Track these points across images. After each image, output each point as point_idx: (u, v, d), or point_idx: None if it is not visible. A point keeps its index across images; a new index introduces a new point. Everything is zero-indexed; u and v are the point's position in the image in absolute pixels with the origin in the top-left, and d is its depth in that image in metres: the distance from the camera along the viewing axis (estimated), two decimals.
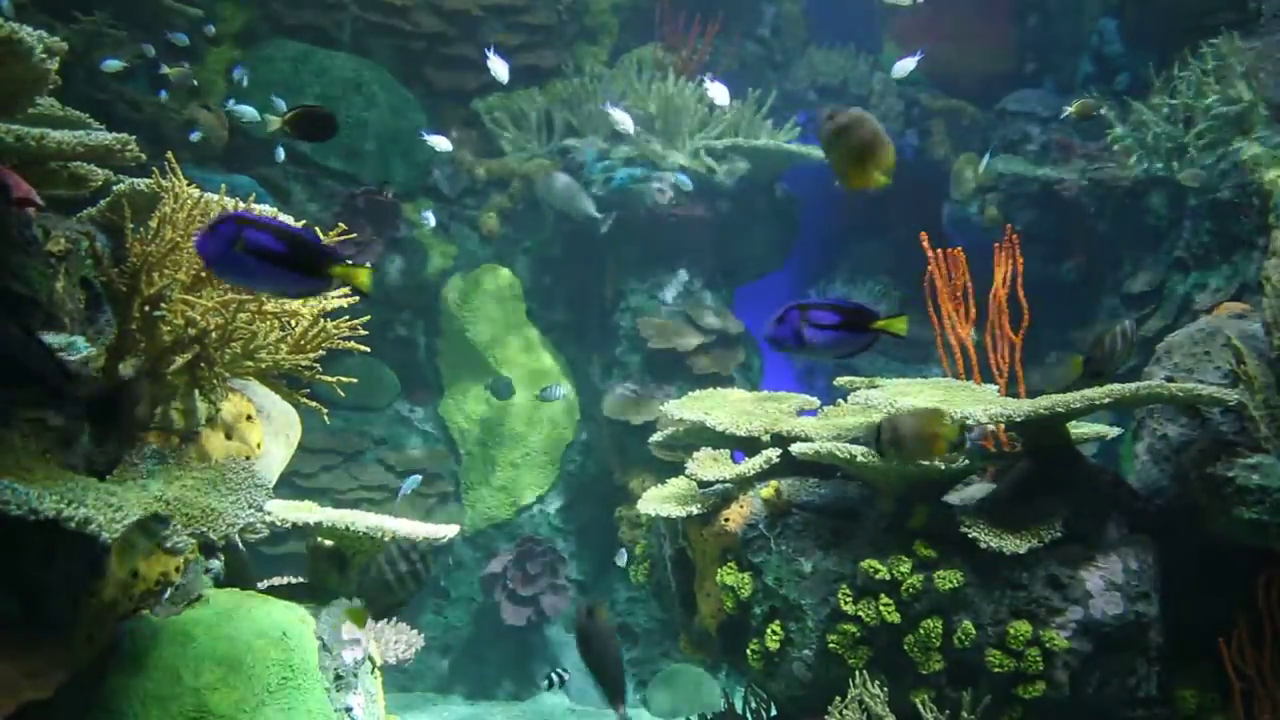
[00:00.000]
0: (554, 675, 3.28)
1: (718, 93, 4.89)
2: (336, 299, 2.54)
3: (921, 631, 2.72)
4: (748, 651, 3.00)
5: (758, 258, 6.01)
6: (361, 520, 2.70)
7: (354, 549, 2.77)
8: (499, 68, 4.93)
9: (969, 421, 2.66)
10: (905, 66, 4.76)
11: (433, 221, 5.22)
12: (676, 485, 3.39)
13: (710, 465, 3.27)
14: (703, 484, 3.24)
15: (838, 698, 2.73)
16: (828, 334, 1.89)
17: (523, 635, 5.34)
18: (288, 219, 2.53)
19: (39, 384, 1.74)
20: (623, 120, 5.08)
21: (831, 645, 2.80)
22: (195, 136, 4.62)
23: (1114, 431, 3.20)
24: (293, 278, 1.75)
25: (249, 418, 2.60)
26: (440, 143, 5.06)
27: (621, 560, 4.85)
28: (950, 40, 6.83)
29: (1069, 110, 4.72)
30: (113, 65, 4.20)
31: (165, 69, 4.80)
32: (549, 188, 5.38)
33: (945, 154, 6.59)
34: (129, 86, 4.69)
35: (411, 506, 5.33)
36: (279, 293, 2.08)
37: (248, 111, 4.78)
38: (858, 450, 2.76)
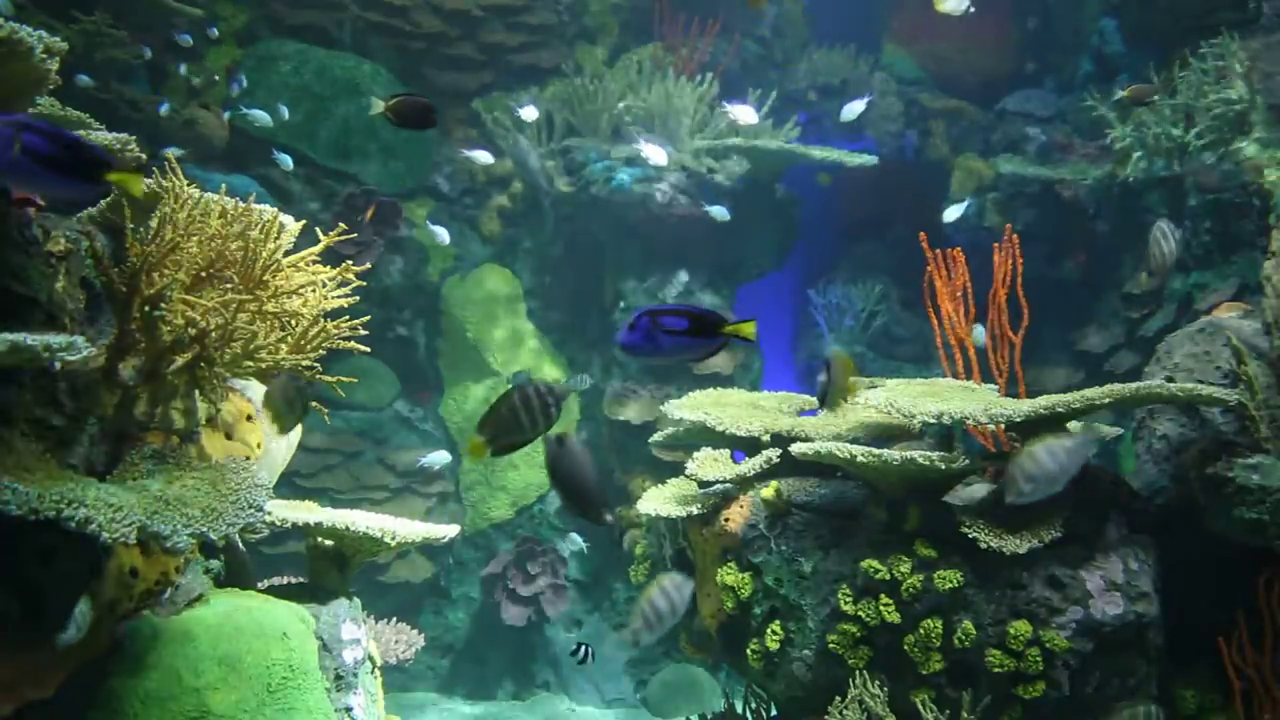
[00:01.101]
0: (583, 648, 3.30)
1: (744, 114, 4.88)
2: (336, 299, 2.54)
3: (921, 631, 2.72)
4: (748, 651, 3.00)
5: (758, 258, 6.01)
6: (361, 520, 2.70)
7: (354, 549, 2.77)
8: (483, 158, 5.09)
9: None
10: (854, 109, 4.91)
11: (446, 237, 5.22)
12: (677, 485, 3.39)
13: (710, 465, 3.28)
14: (703, 484, 3.24)
15: (838, 698, 2.73)
16: (678, 339, 1.93)
17: (523, 635, 5.34)
18: (288, 219, 2.54)
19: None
20: (655, 155, 5.11)
21: (832, 645, 2.80)
22: (164, 109, 4.59)
23: (1114, 431, 3.20)
24: (67, 181, 1.80)
25: (249, 418, 2.60)
26: (482, 156, 5.10)
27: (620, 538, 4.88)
28: (950, 40, 6.83)
29: (1122, 93, 4.69)
30: (84, 81, 4.21)
31: (184, 68, 4.83)
32: (515, 145, 5.39)
33: (945, 154, 6.59)
34: (129, 86, 4.69)
35: (411, 507, 5.34)
36: (55, 196, 2.12)
37: (260, 116, 4.82)
38: (858, 450, 2.76)
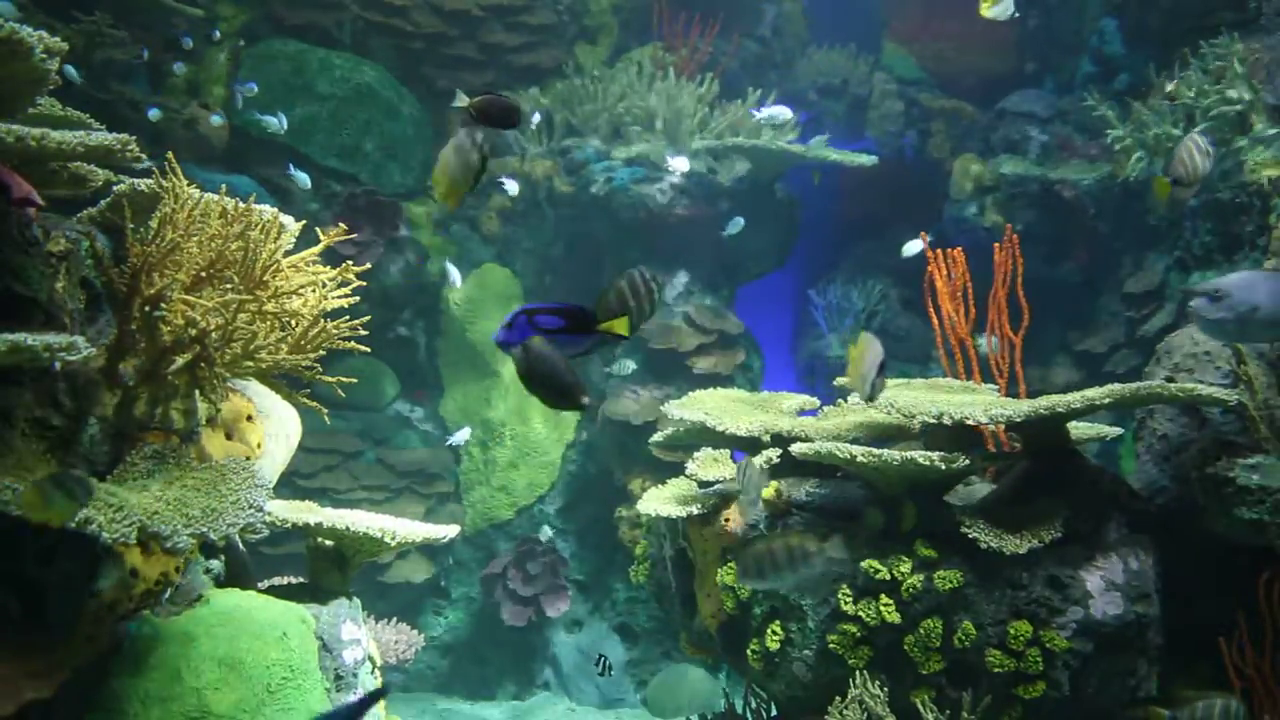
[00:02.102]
0: (603, 659, 3.33)
1: (780, 113, 4.89)
2: (337, 299, 2.54)
3: (922, 631, 2.72)
4: (748, 651, 3.00)
5: (758, 258, 6.01)
6: (361, 520, 2.70)
7: (354, 549, 2.77)
8: (512, 188, 5.25)
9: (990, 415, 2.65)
10: (913, 247, 4.77)
11: (458, 279, 5.30)
12: (677, 485, 3.39)
13: (710, 465, 3.28)
14: (703, 484, 3.24)
15: (838, 698, 2.73)
16: (553, 337, 1.97)
17: (523, 635, 5.34)
18: (288, 219, 2.54)
19: None
20: (679, 165, 5.17)
21: (832, 645, 2.80)
22: (154, 114, 4.60)
23: (1114, 431, 3.20)
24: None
25: (249, 418, 2.60)
26: (511, 186, 5.23)
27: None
28: (950, 40, 6.83)
29: (1170, 87, 4.68)
30: (71, 74, 4.23)
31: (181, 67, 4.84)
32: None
33: (945, 154, 6.59)
34: (129, 86, 4.69)
35: (411, 507, 5.33)
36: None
37: (271, 122, 4.84)
38: (858, 450, 2.76)
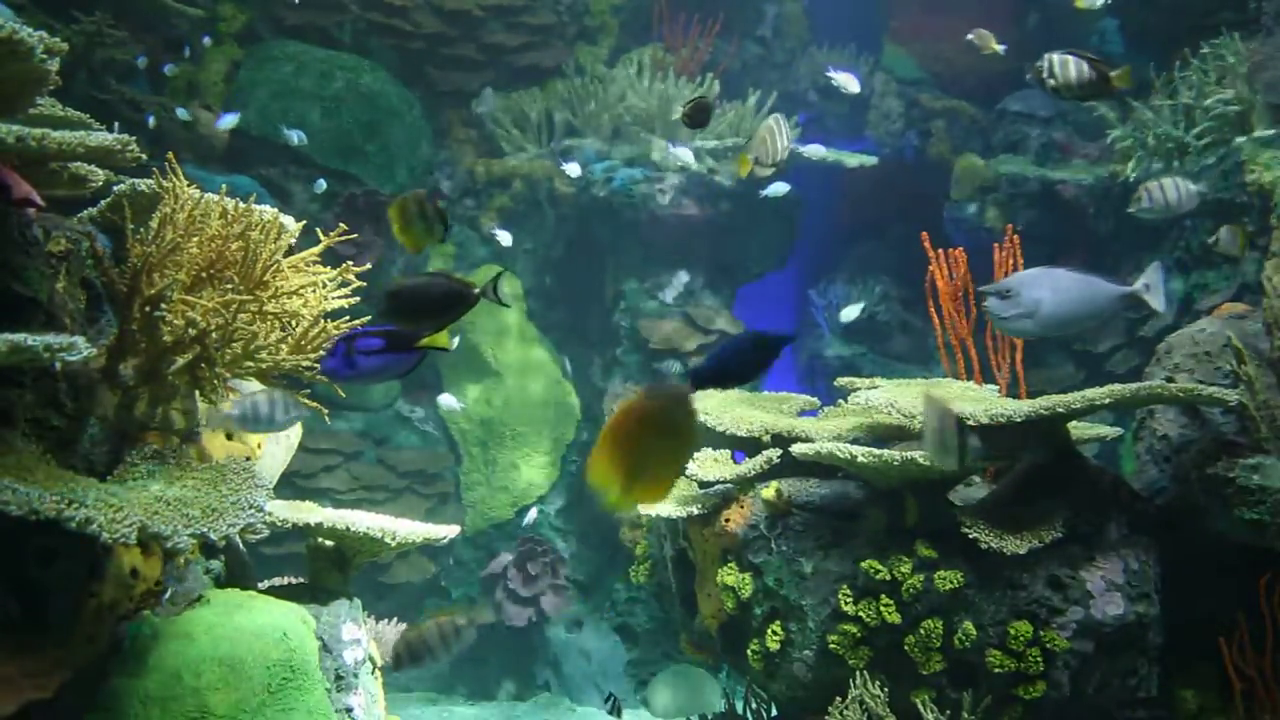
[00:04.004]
0: (612, 698, 3.38)
1: (847, 81, 4.85)
2: (337, 299, 2.54)
3: (922, 632, 2.72)
4: (748, 652, 3.00)
5: (758, 258, 6.01)
6: (362, 520, 2.69)
7: (354, 549, 2.77)
8: (505, 239, 5.36)
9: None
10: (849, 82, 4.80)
11: (508, 239, 5.37)
12: (677, 485, 3.39)
13: (711, 465, 3.27)
14: (703, 484, 3.24)
15: (838, 698, 2.73)
16: (375, 359, 2.02)
17: (523, 636, 5.34)
18: (288, 219, 2.54)
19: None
20: (685, 156, 5.15)
21: (832, 646, 2.80)
22: (151, 120, 4.61)
23: (1114, 431, 3.20)
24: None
25: None
26: (504, 238, 5.32)
27: None
28: (950, 40, 6.82)
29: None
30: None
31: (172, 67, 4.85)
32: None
33: (945, 154, 6.59)
34: (129, 86, 4.70)
35: (411, 507, 5.33)
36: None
37: (294, 135, 4.88)
38: (858, 450, 2.76)
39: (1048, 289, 2.63)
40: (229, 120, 4.88)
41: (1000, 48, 4.05)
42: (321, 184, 5.03)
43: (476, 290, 2.00)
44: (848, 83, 4.61)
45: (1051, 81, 2.76)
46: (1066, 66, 2.75)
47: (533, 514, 5.35)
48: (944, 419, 2.25)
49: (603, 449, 1.43)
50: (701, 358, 2.16)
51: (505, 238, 5.28)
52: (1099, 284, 2.71)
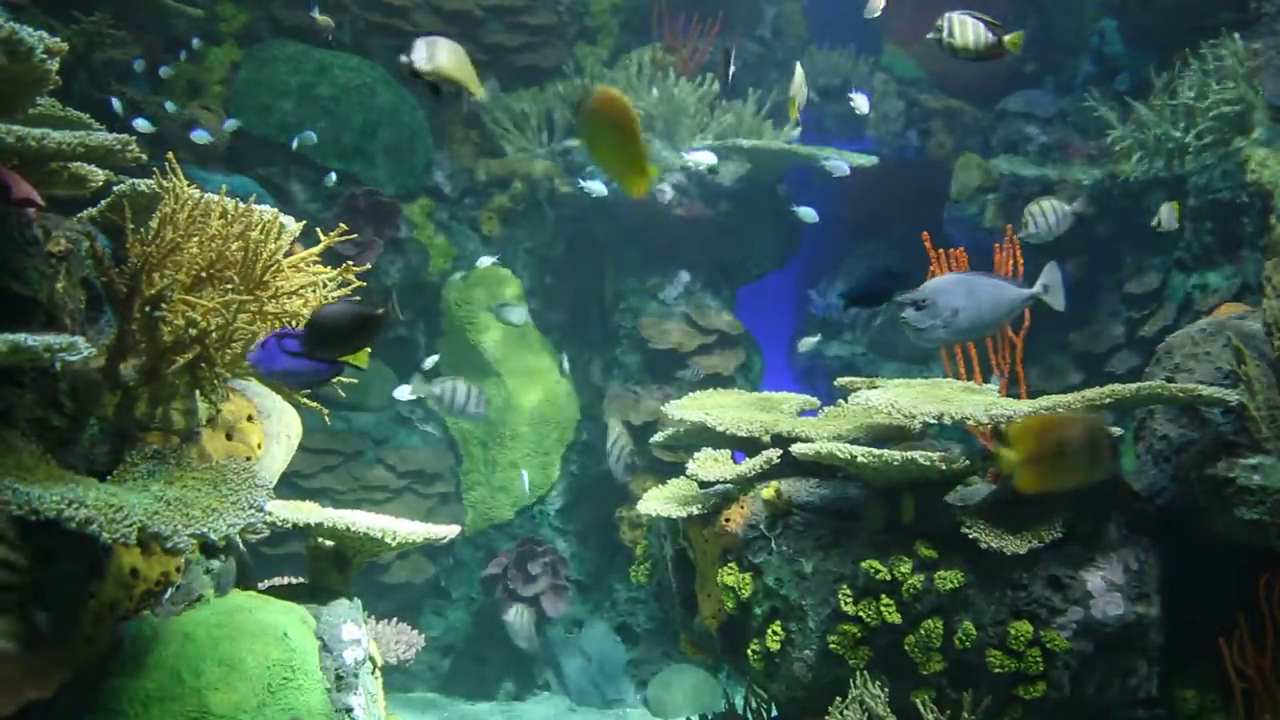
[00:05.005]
0: None
1: (860, 103, 4.91)
2: (337, 299, 2.54)
3: (922, 632, 2.72)
4: (748, 652, 3.00)
5: (758, 258, 6.01)
6: (362, 521, 2.69)
7: (354, 549, 2.77)
8: (518, 315, 5.33)
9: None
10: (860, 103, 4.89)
11: (524, 316, 5.40)
12: (677, 486, 3.39)
13: (711, 465, 3.28)
14: (703, 484, 3.24)
15: (838, 698, 2.73)
16: (294, 362, 2.08)
17: None
18: (288, 219, 2.54)
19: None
20: (706, 159, 5.17)
21: (832, 646, 2.80)
22: (200, 136, 4.65)
23: (1114, 431, 3.20)
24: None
25: (249, 418, 2.60)
26: (808, 215, 5.28)
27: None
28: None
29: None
30: (145, 125, 4.32)
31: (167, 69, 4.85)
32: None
33: (945, 154, 6.59)
34: (129, 87, 4.70)
35: (411, 507, 5.33)
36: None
37: (309, 137, 4.90)
38: (859, 450, 2.76)
39: (962, 296, 2.66)
40: (230, 124, 4.90)
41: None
42: (332, 177, 5.03)
43: (381, 311, 2.07)
44: (860, 104, 4.66)
45: (951, 41, 2.79)
46: (965, 28, 2.78)
47: (525, 481, 5.33)
48: (1096, 428, 2.34)
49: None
50: (846, 285, 2.56)
51: (519, 315, 5.29)
52: (1006, 287, 2.74)
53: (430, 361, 5.31)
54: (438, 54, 2.36)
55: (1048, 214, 3.13)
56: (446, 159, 5.88)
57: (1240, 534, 2.68)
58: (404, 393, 5.04)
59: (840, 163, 5.30)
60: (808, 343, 5.62)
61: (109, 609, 2.08)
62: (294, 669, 2.31)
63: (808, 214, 5.28)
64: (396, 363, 5.58)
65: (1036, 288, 2.78)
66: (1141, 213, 5.28)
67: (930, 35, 2.85)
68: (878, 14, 4.39)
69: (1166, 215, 4.00)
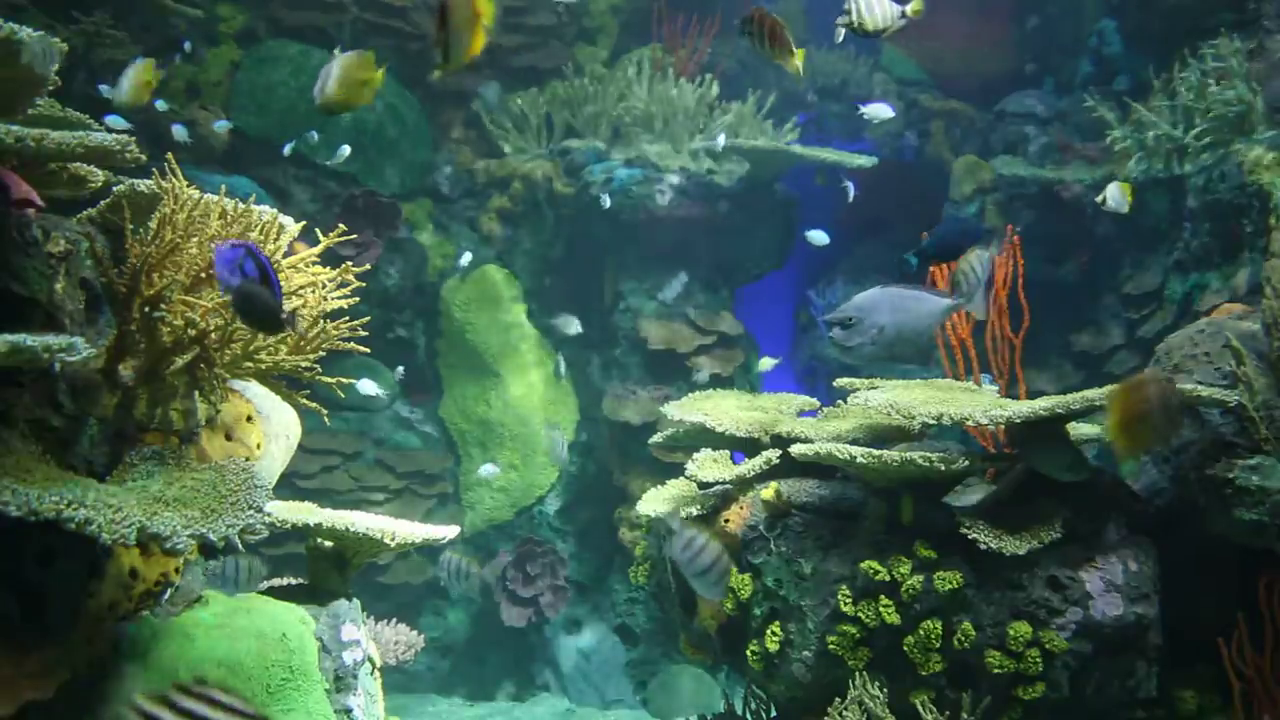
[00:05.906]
0: None
1: (879, 110, 4.89)
2: (337, 300, 2.54)
3: (921, 633, 2.72)
4: (748, 652, 3.00)
5: (758, 258, 6.01)
6: (361, 521, 2.69)
7: (354, 550, 2.77)
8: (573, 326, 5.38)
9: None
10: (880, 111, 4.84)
11: (577, 327, 5.43)
12: (676, 486, 3.39)
13: (710, 466, 3.27)
14: (702, 485, 3.24)
15: (838, 699, 2.73)
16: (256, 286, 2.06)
17: (523, 636, 5.34)
18: (287, 220, 2.54)
19: None
20: (882, 113, 5.12)
21: (831, 646, 2.80)
22: (179, 131, 4.61)
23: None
24: None
25: (249, 419, 2.60)
26: (819, 238, 5.27)
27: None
28: (950, 41, 6.83)
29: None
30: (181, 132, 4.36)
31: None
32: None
33: (945, 154, 6.59)
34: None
35: (410, 507, 5.33)
36: None
37: (311, 137, 4.92)
38: (858, 451, 2.76)
39: (886, 311, 2.66)
40: (221, 125, 4.88)
41: None
42: (345, 150, 4.99)
43: (284, 318, 2.07)
44: (879, 112, 4.65)
45: (862, 23, 2.78)
46: (872, 6, 2.79)
47: (562, 443, 5.29)
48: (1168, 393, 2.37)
49: None
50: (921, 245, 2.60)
51: (574, 326, 5.34)
52: (927, 299, 2.75)
53: (399, 372, 5.35)
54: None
55: (976, 268, 3.10)
56: (446, 159, 5.88)
57: (1239, 535, 2.68)
58: (369, 387, 5.03)
59: (884, 107, 5.21)
60: (767, 363, 5.61)
61: (108, 610, 2.08)
62: (293, 670, 2.31)
63: (818, 237, 5.28)
64: (396, 363, 5.58)
65: (957, 298, 2.79)
66: (1141, 213, 5.28)
67: (839, 21, 2.85)
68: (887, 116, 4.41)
69: (1114, 195, 3.89)
